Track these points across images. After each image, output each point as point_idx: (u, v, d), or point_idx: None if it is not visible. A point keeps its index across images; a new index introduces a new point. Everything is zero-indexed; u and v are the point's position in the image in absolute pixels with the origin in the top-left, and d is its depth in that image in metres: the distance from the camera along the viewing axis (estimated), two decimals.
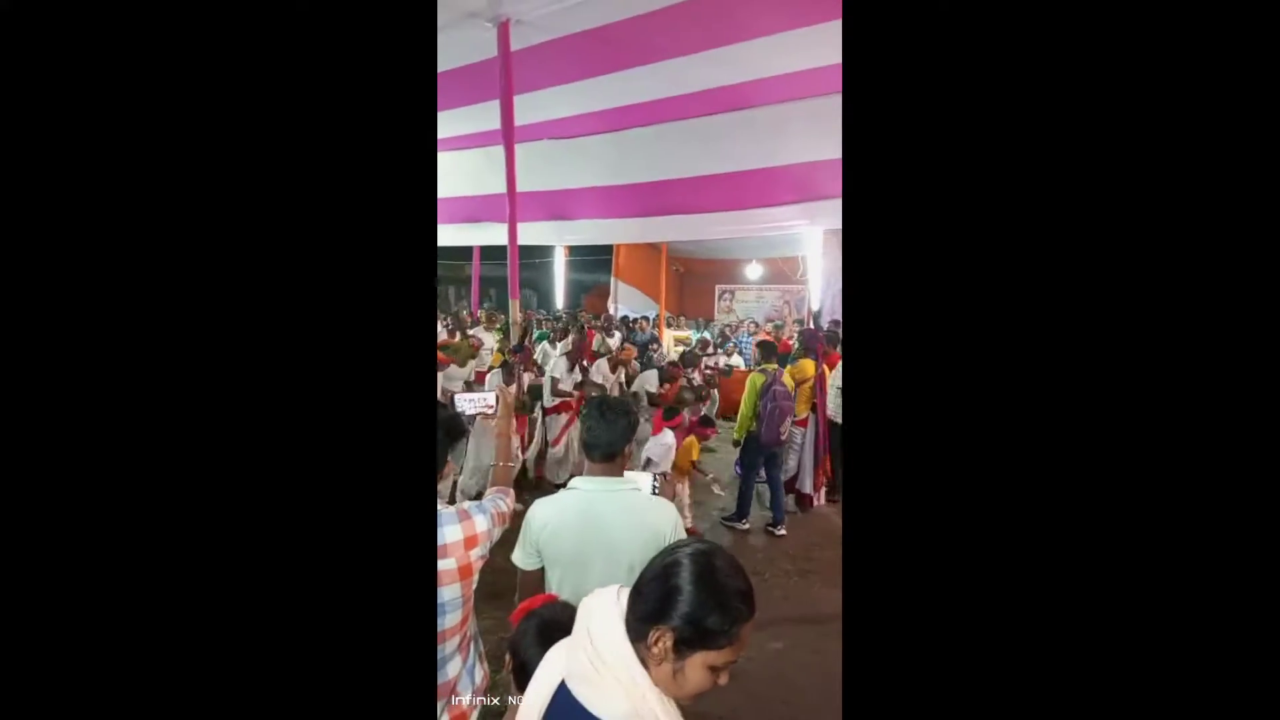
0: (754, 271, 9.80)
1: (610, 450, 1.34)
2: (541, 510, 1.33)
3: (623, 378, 4.73)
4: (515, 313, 4.31)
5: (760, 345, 4.24)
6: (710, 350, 6.86)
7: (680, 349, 6.75)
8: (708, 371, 5.62)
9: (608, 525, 1.28)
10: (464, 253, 8.85)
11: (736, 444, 3.95)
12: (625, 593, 0.78)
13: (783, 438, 3.86)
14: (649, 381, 4.56)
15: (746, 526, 3.93)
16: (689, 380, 4.60)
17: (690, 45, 3.89)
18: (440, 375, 4.26)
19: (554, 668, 0.77)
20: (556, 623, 0.91)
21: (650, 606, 0.74)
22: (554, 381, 4.37)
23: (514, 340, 4.35)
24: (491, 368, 4.54)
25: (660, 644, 0.72)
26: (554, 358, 4.91)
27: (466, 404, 1.66)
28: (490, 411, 1.62)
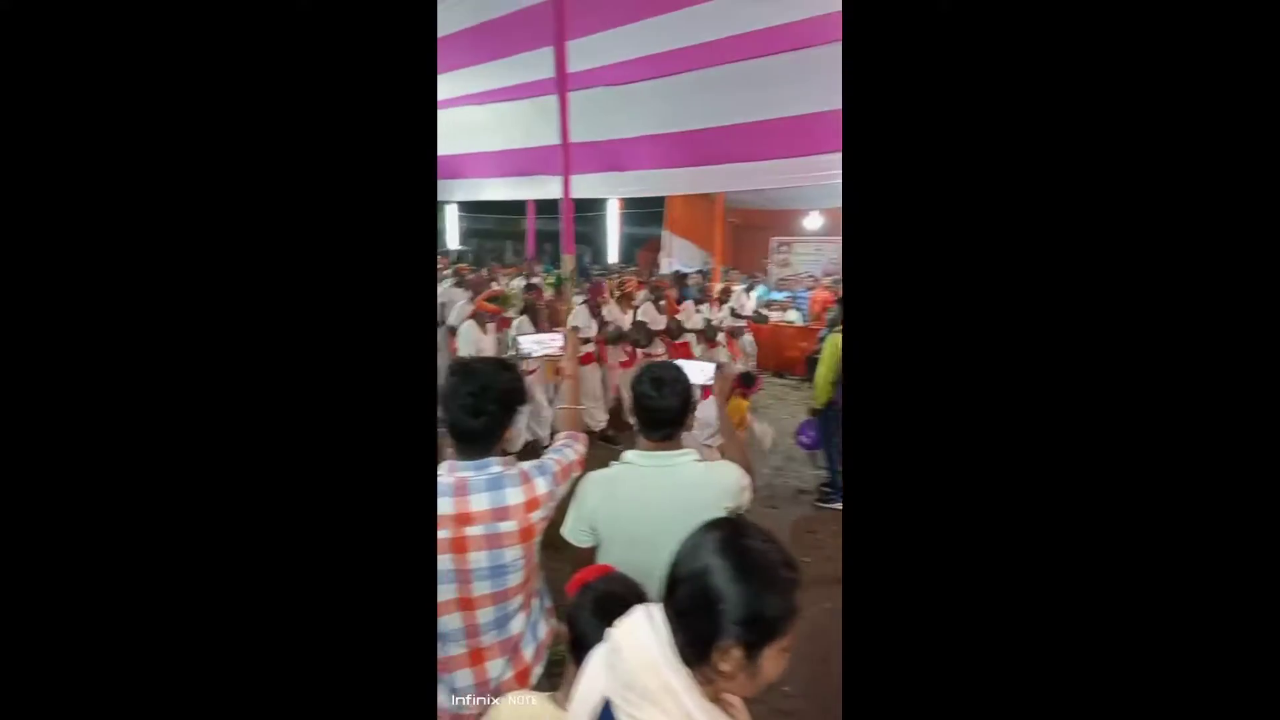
0: (813, 222, 9.39)
1: (670, 431, 1.27)
2: (594, 489, 1.29)
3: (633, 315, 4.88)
4: (569, 267, 4.29)
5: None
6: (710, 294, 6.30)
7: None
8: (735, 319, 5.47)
9: (665, 504, 1.21)
10: (518, 207, 8.84)
11: (814, 412, 3.72)
12: (656, 610, 0.71)
13: None
14: (648, 314, 4.80)
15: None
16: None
17: None
18: (476, 328, 4.27)
19: (595, 683, 0.72)
20: (614, 595, 0.90)
21: (702, 627, 0.66)
22: (575, 331, 4.47)
23: (564, 293, 4.37)
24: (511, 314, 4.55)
25: (731, 661, 0.65)
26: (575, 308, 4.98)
27: (533, 345, 1.58)
28: (560, 352, 1.56)
